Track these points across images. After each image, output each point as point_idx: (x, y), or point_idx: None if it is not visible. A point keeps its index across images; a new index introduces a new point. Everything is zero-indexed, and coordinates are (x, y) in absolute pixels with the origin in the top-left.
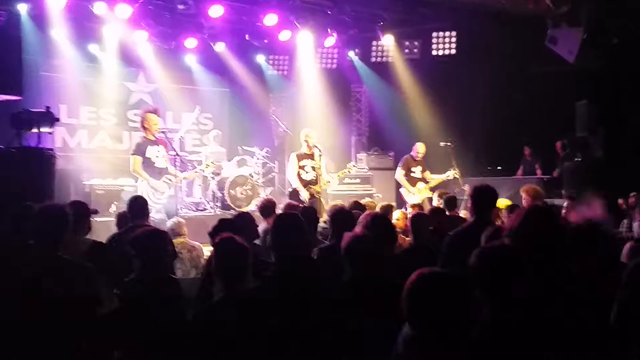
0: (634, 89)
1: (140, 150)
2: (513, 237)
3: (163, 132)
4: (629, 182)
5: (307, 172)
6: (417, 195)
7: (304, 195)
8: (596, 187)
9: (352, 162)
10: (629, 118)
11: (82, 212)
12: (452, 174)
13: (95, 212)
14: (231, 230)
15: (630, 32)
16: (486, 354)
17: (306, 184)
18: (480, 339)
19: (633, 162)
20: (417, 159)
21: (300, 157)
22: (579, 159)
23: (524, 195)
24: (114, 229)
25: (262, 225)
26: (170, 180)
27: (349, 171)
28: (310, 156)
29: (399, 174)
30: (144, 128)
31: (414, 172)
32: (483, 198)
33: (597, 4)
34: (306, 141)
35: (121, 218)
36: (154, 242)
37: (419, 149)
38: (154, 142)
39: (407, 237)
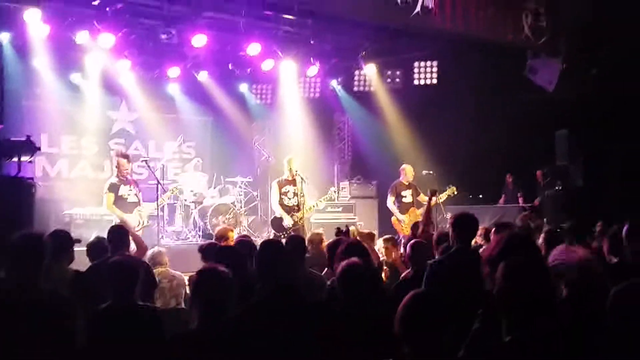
0: (613, 118)
1: (113, 189)
2: (491, 264)
3: (145, 160)
4: (608, 210)
5: (289, 199)
6: (406, 222)
7: (288, 221)
8: (576, 215)
9: (333, 187)
10: (609, 147)
11: (64, 241)
12: (449, 191)
13: (78, 241)
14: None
15: (608, 62)
16: None
17: (289, 210)
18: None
19: (612, 190)
20: (406, 182)
21: (282, 184)
22: (559, 188)
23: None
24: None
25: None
26: (141, 212)
27: (330, 197)
28: (292, 182)
29: (390, 201)
30: (117, 170)
31: (405, 197)
32: (465, 226)
33: (574, 35)
34: (289, 169)
35: (93, 248)
36: (127, 270)
37: (407, 172)
38: (126, 181)
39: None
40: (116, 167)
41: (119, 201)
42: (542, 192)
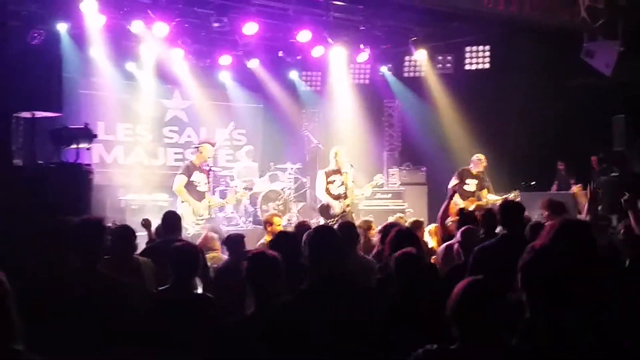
0: None
1: (188, 172)
2: None
3: (197, 147)
4: None
5: (337, 187)
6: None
7: (337, 207)
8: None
9: (380, 174)
10: None
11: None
12: (512, 196)
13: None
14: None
15: None
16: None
17: (336, 198)
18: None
19: None
20: (474, 172)
21: (329, 174)
22: (616, 174)
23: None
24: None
25: None
26: (209, 203)
27: (376, 184)
28: (339, 172)
29: (451, 184)
30: (199, 153)
31: (468, 184)
32: (510, 213)
33: (633, 16)
34: (336, 160)
35: (158, 232)
36: (188, 256)
37: (482, 161)
38: (201, 169)
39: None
40: (198, 153)
41: (189, 186)
42: (597, 178)
